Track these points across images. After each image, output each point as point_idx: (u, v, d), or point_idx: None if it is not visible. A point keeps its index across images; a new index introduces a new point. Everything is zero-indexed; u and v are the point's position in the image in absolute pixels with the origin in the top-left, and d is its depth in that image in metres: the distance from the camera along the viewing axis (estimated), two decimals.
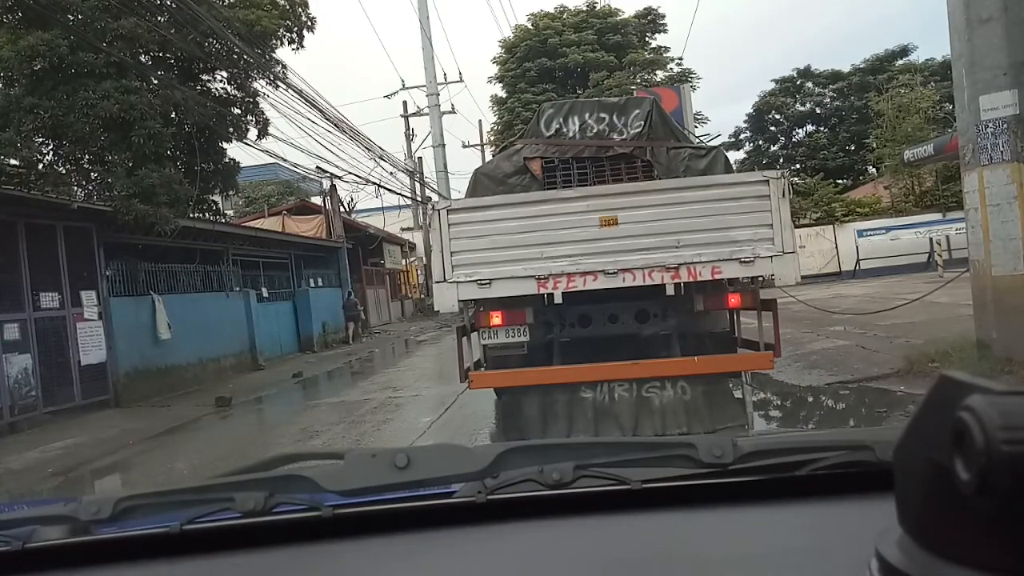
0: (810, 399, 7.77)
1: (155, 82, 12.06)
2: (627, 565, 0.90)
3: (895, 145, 26.05)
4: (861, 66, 35.00)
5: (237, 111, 14.00)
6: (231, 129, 13.87)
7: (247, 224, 21.94)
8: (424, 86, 32.52)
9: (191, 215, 13.48)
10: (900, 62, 33.69)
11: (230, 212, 23.95)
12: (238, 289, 16.69)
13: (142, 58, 12.32)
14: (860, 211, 27.23)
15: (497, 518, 1.04)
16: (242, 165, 15.15)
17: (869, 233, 25.84)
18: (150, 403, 11.69)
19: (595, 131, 6.03)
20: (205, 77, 13.73)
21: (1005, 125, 6.66)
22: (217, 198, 15.82)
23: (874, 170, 33.59)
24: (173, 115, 12.35)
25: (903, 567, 0.56)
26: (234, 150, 25.34)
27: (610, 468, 1.06)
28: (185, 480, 5.55)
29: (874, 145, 30.27)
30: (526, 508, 1.05)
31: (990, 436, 0.45)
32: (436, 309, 5.99)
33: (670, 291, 5.29)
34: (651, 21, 34.07)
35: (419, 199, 29.67)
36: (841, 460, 1.03)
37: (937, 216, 24.87)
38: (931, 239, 24.01)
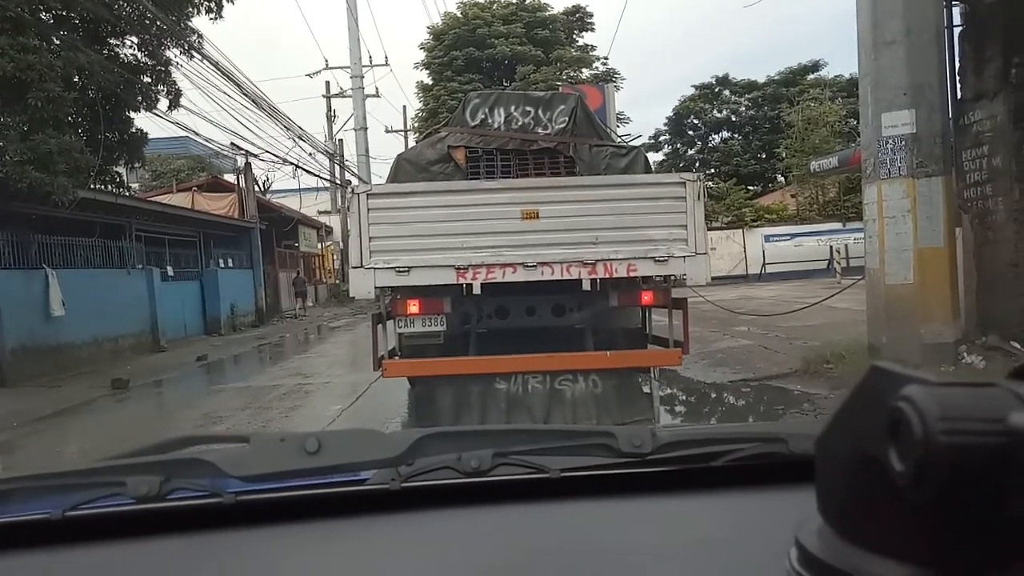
0: (714, 395, 8.04)
1: (57, 42, 11.30)
2: (545, 554, 0.89)
3: (803, 156, 27.34)
4: (775, 78, 36.38)
5: (147, 79, 13.30)
6: (140, 98, 13.17)
7: (153, 199, 20.87)
8: (348, 67, 31.85)
9: (92, 186, 12.74)
10: (811, 76, 35.19)
11: (135, 185, 22.78)
12: (140, 266, 15.90)
13: (42, 15, 11.53)
14: (768, 217, 28.44)
15: (412, 506, 1.00)
16: (150, 136, 14.42)
17: (775, 239, 27.01)
18: (38, 383, 11.01)
19: (520, 124, 6.03)
20: (113, 41, 12.98)
21: (903, 142, 7.08)
22: (121, 170, 15.00)
23: (783, 178, 35.03)
24: (76, 79, 11.61)
25: (823, 556, 0.56)
26: (142, 120, 24.09)
27: (529, 456, 1.04)
28: (74, 465, 5.24)
29: (784, 154, 31.58)
30: (442, 496, 1.02)
31: (929, 426, 0.45)
32: (352, 295, 5.86)
33: (586, 286, 5.34)
34: (579, 19, 34.44)
35: (338, 182, 29.01)
36: (756, 452, 1.05)
37: (838, 225, 26.23)
38: (831, 247, 25.32)
